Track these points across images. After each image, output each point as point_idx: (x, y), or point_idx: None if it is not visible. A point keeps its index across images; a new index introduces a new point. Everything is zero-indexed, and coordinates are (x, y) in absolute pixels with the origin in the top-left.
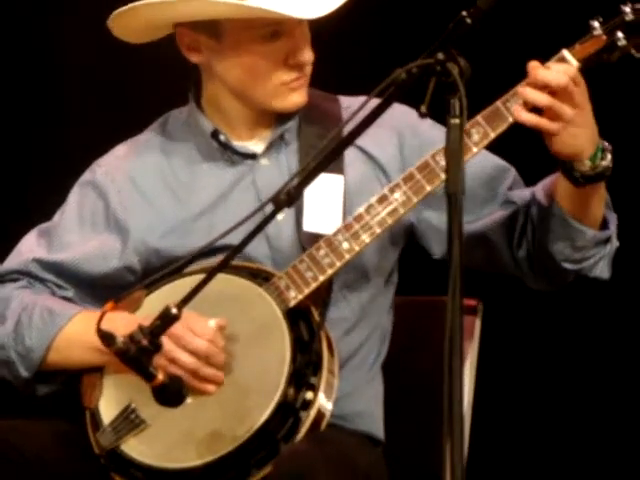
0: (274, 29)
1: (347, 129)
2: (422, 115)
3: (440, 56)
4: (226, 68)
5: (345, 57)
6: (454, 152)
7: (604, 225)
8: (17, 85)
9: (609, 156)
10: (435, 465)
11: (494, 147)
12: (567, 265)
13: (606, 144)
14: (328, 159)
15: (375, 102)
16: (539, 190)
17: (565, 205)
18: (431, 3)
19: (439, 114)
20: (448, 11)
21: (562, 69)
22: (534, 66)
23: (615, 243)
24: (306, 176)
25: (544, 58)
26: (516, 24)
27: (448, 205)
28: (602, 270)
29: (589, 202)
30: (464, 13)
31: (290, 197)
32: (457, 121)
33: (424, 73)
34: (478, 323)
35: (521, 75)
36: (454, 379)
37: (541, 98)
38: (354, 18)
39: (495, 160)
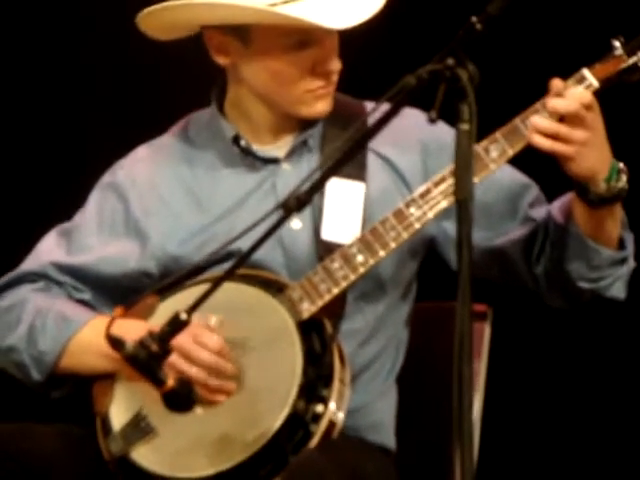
0: (303, 38)
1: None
2: (431, 121)
3: (450, 62)
4: (253, 73)
5: (354, 62)
6: (463, 158)
7: (621, 245)
8: (41, 88)
9: (624, 177)
10: (446, 473)
11: (515, 161)
12: (583, 284)
13: (621, 165)
14: (339, 164)
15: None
16: (556, 208)
17: (581, 224)
18: (441, 9)
19: (449, 120)
20: (458, 17)
21: (577, 95)
22: (553, 84)
23: (632, 264)
24: (317, 182)
25: (554, 63)
26: (526, 30)
27: (457, 211)
28: (618, 290)
29: (605, 222)
30: (474, 19)
31: (300, 203)
32: (466, 127)
33: (434, 79)
34: (488, 329)
35: (531, 82)
36: (464, 385)
37: (549, 126)
38: (364, 23)
39: (517, 176)
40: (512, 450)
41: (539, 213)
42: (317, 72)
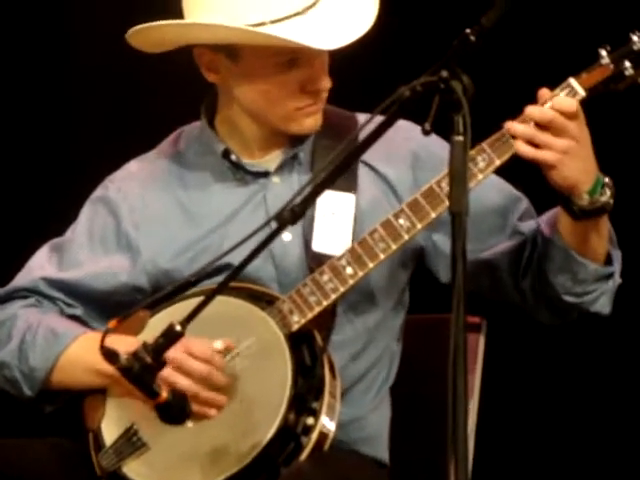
0: (292, 57)
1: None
2: (425, 132)
3: (444, 74)
4: (242, 91)
5: (349, 74)
6: (458, 170)
7: (608, 261)
8: (33, 103)
9: (609, 192)
10: None
11: (505, 174)
12: (568, 298)
13: (607, 179)
14: (332, 177)
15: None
16: (544, 221)
17: (566, 237)
18: (435, 21)
19: (444, 132)
20: (452, 29)
21: (559, 103)
22: (540, 94)
23: (618, 280)
24: (310, 194)
25: (547, 74)
26: (520, 42)
27: (452, 224)
28: (602, 305)
29: (589, 236)
30: (468, 31)
31: (294, 215)
32: (461, 139)
33: (428, 91)
34: (482, 341)
35: (525, 93)
36: (458, 397)
37: (524, 132)
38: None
39: (507, 189)
40: (507, 461)
41: (528, 227)
42: (307, 90)
